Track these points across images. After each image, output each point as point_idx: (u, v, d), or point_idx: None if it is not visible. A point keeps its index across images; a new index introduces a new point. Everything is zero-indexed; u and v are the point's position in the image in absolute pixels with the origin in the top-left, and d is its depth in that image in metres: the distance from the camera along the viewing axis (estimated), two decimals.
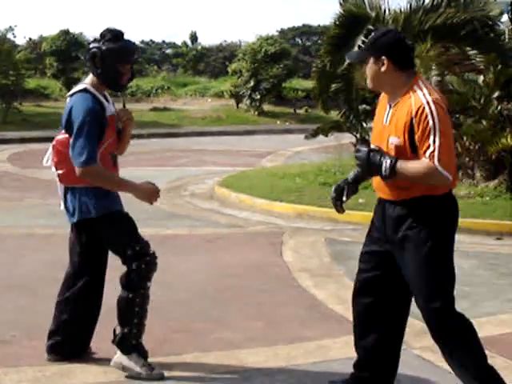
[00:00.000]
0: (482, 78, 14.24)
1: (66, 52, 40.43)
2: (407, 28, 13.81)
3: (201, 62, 56.73)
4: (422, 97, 4.32)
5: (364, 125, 15.76)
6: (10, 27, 37.51)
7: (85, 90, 5.17)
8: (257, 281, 7.78)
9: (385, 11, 14.36)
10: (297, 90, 38.42)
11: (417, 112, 4.27)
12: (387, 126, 4.48)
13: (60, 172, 5.28)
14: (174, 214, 12.04)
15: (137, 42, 70.29)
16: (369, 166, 4.42)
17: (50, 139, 5.65)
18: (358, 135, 15.89)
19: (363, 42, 13.44)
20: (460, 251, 9.12)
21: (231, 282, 7.74)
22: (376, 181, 4.59)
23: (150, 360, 5.35)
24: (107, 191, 5.23)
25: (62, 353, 5.45)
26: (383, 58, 4.40)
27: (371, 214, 11.07)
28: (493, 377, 4.53)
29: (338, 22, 14.34)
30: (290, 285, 7.68)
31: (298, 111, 36.23)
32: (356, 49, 13.42)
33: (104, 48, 5.14)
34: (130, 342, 5.24)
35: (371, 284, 4.66)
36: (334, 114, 16.96)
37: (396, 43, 4.45)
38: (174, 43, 69.39)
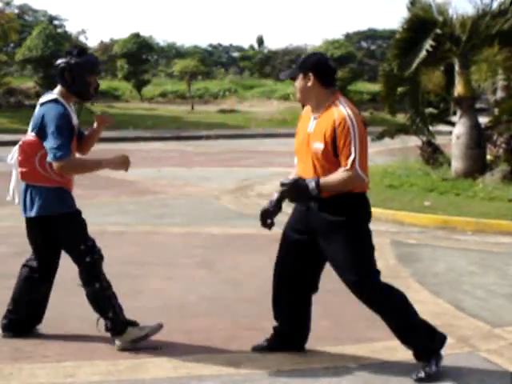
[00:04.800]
0: None
1: (137, 54, 41.04)
2: (474, 32, 13.75)
3: (267, 64, 56.91)
4: (343, 110, 5.08)
5: (430, 128, 15.70)
6: (83, 30, 38.34)
7: (56, 100, 5.63)
8: (323, 281, 7.78)
9: (452, 16, 14.30)
10: (362, 92, 38.38)
11: (339, 124, 5.01)
12: (311, 133, 5.20)
13: (23, 170, 5.70)
14: (241, 213, 12.15)
15: (205, 46, 70.96)
16: (298, 194, 5.16)
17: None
18: (424, 138, 15.84)
19: (431, 46, 13.41)
20: None
21: None
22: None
23: (220, 357, 5.59)
24: (64, 192, 5.70)
25: (15, 330, 5.97)
26: (310, 74, 5.17)
27: (437, 216, 11.09)
28: (422, 329, 5.30)
29: (405, 26, 14.30)
30: None
31: (362, 114, 36.14)
32: (424, 53, 13.39)
33: (72, 62, 5.64)
34: (118, 322, 5.68)
35: (286, 263, 5.54)
36: (400, 117, 16.93)
37: (321, 63, 5.24)
38: (241, 46, 69.82)
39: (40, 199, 5.63)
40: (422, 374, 5.19)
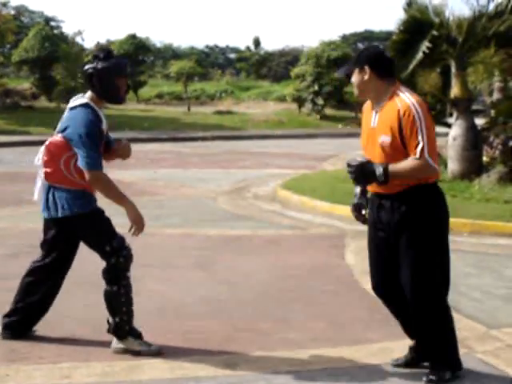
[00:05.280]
0: None
1: (133, 55, 41.02)
2: (471, 34, 13.76)
3: (263, 66, 56.89)
4: (406, 99, 4.94)
5: None
6: (79, 31, 38.32)
7: (86, 105, 5.58)
8: (319, 282, 7.84)
9: (449, 18, 14.30)
10: None
11: (404, 112, 4.88)
12: (375, 127, 5.07)
13: (48, 170, 5.65)
14: (238, 215, 12.16)
15: (201, 47, 70.75)
16: (364, 177, 5.01)
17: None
18: None
19: (428, 48, 13.42)
20: None
21: (294, 283, 7.81)
22: None
23: (217, 358, 5.58)
24: (86, 194, 5.65)
25: (15, 331, 5.93)
26: (366, 67, 5.06)
27: None
28: (453, 349, 5.25)
29: (402, 28, 14.30)
30: (352, 287, 7.72)
31: (359, 115, 36.12)
32: (421, 54, 13.41)
33: (99, 67, 5.58)
34: (123, 328, 5.65)
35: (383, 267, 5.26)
36: None
37: (376, 55, 5.15)
38: (238, 48, 69.90)
39: (62, 200, 5.59)
40: (434, 378, 5.16)
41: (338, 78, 35.15)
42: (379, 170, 4.89)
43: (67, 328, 6.21)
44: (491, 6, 14.09)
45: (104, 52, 5.68)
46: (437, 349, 5.22)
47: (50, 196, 5.65)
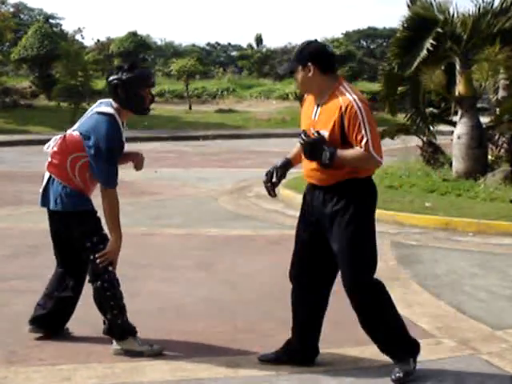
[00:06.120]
0: None
1: (134, 53, 40.96)
2: (475, 31, 13.68)
3: (266, 64, 56.80)
4: (348, 96, 4.97)
5: (431, 128, 15.61)
6: (79, 29, 38.38)
7: (112, 117, 5.52)
8: None
9: (453, 14, 14.21)
10: (361, 92, 38.21)
11: (346, 109, 4.91)
12: (316, 121, 5.09)
13: (53, 161, 5.62)
14: (240, 214, 12.11)
15: (203, 45, 70.57)
16: (311, 155, 5.02)
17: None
18: (424, 138, 15.75)
19: (432, 45, 13.35)
20: None
21: None
22: (306, 168, 5.20)
23: (218, 359, 5.53)
24: (81, 194, 5.61)
25: (43, 325, 5.93)
26: (309, 64, 5.04)
27: (438, 217, 11.02)
28: (402, 332, 5.25)
29: (405, 25, 14.23)
30: None
31: None
32: (425, 52, 13.35)
33: (124, 78, 5.54)
34: (116, 324, 5.60)
35: (306, 262, 5.47)
36: (400, 117, 16.86)
37: (318, 51, 5.11)
38: (240, 45, 69.83)
39: (56, 194, 5.58)
40: (401, 374, 5.13)
41: (341, 75, 35.19)
42: (326, 155, 4.92)
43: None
44: (496, 3, 14.01)
45: (128, 63, 5.66)
46: (389, 337, 5.26)
47: (50, 187, 5.64)
